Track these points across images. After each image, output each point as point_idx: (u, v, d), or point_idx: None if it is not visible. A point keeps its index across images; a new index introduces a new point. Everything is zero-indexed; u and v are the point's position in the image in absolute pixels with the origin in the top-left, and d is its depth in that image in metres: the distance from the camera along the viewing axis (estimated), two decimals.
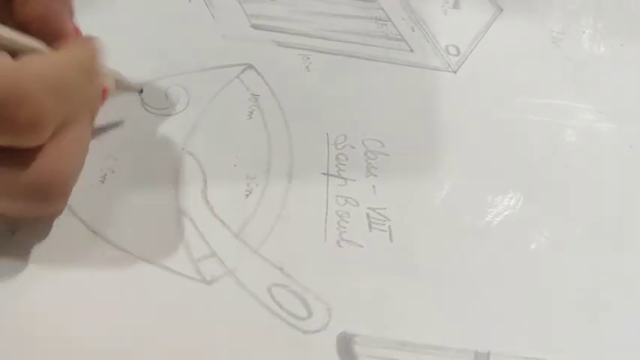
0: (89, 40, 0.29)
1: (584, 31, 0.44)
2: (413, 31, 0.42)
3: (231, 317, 0.30)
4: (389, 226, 0.33)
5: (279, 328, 0.29)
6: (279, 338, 0.29)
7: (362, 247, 0.32)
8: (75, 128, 0.27)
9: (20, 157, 0.25)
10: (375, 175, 0.35)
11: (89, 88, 0.28)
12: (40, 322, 0.28)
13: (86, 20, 0.37)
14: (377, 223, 0.33)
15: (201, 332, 0.29)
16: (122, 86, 0.33)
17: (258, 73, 0.38)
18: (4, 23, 0.26)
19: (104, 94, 0.31)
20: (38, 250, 0.30)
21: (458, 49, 0.42)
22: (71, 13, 0.29)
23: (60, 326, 0.28)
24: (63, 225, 0.28)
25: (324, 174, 0.35)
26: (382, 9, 0.43)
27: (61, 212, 0.30)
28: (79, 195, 0.31)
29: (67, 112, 0.26)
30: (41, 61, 0.26)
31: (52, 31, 0.28)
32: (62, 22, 0.28)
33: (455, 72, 0.40)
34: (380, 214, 0.34)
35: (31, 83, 0.24)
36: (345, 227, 0.33)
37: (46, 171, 0.26)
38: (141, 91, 0.34)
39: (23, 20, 0.27)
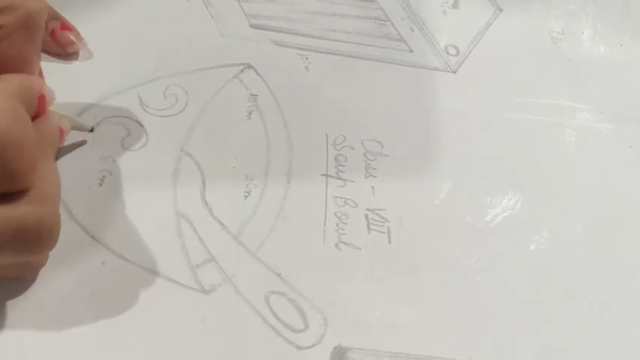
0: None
1: (583, 32, 0.44)
2: (412, 31, 0.42)
3: (227, 331, 0.29)
4: (387, 228, 0.33)
5: (274, 344, 0.29)
6: (274, 355, 0.29)
7: (360, 249, 0.32)
8: (45, 170, 0.27)
9: (9, 201, 0.25)
10: (374, 176, 0.35)
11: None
12: (39, 330, 0.28)
13: (85, 20, 0.37)
14: (375, 225, 0.33)
15: (197, 348, 0.29)
16: (75, 126, 0.33)
17: (257, 73, 0.38)
18: None
19: (61, 135, 0.31)
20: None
21: (457, 49, 0.41)
22: (39, 57, 0.29)
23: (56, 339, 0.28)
24: (63, 230, 0.28)
25: (323, 175, 0.35)
26: (381, 9, 0.43)
27: (44, 263, 0.29)
28: (78, 198, 0.31)
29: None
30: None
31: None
32: (30, 68, 0.28)
33: (454, 72, 0.40)
34: (379, 216, 0.34)
35: (23, 129, 0.24)
36: (343, 229, 0.33)
37: (35, 213, 0.25)
38: (91, 130, 0.34)
39: None
